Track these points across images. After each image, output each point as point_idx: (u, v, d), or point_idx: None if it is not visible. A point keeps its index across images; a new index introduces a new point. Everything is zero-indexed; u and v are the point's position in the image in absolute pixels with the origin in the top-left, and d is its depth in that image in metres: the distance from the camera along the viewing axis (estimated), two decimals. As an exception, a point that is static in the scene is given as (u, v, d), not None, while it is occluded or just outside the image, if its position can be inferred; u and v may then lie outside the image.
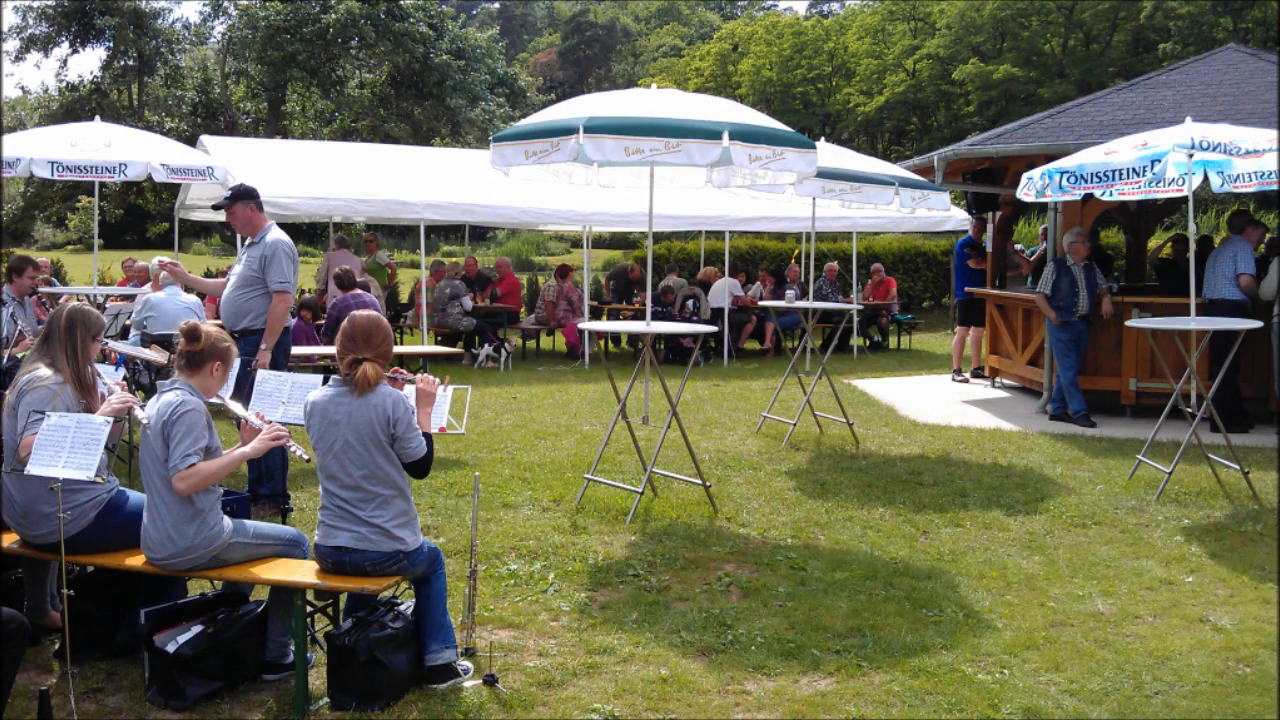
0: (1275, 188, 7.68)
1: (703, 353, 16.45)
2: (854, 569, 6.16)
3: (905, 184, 9.24)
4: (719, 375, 14.87)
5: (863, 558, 6.41)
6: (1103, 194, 8.25)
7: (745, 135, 6.54)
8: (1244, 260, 10.09)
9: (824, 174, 8.59)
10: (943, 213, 13.18)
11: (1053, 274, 10.67)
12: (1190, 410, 8.29)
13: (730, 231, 18.22)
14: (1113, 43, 49.24)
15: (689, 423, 10.44)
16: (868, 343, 19.16)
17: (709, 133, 6.46)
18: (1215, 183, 7.77)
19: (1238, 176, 7.83)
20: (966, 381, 14.27)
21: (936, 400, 12.63)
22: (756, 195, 12.92)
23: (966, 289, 14.13)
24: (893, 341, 19.61)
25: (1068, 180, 8.12)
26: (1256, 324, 8.07)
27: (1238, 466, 7.96)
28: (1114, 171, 7.86)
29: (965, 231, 15.59)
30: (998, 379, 13.81)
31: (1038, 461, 9.09)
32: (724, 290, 17.22)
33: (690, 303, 17.00)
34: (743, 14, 76.42)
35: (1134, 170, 7.74)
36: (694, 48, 67.96)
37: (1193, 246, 8.69)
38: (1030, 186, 8.63)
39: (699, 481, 7.56)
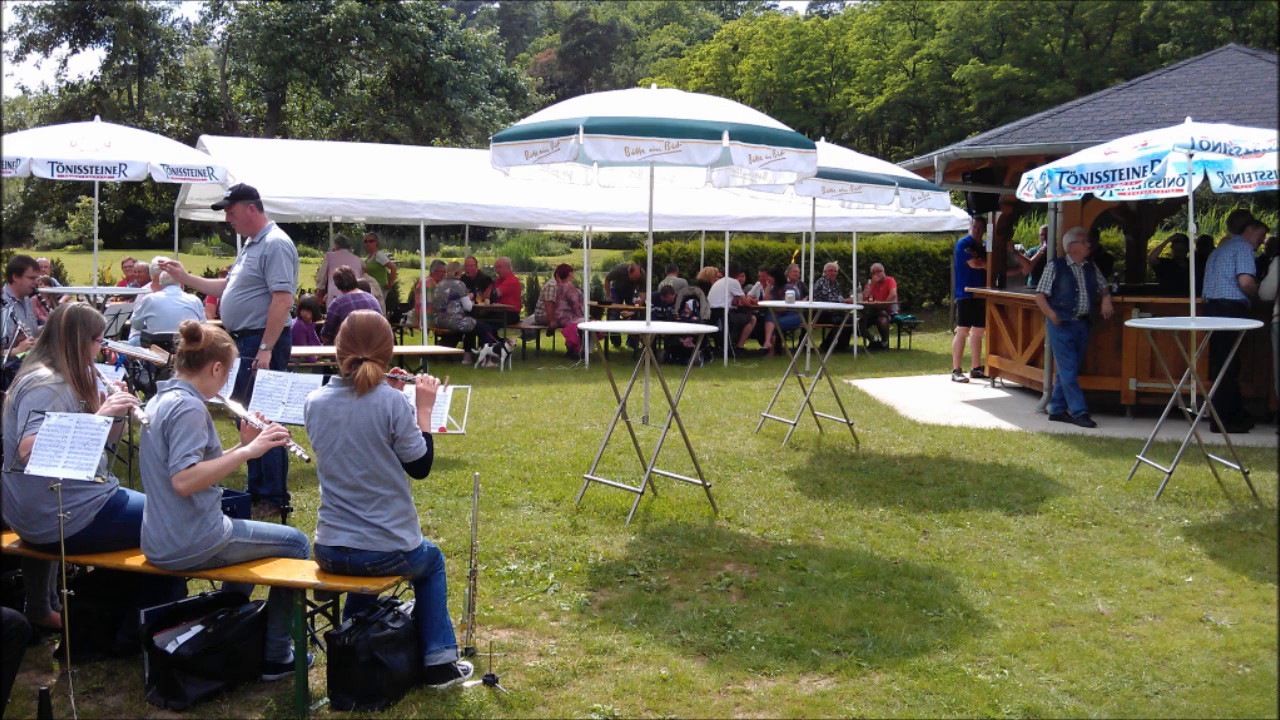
0: (1275, 188, 7.68)
1: (703, 353, 16.45)
2: (854, 569, 6.16)
3: (905, 184, 9.24)
4: (719, 375, 14.87)
5: (863, 558, 6.41)
6: (1102, 194, 8.25)
7: (745, 135, 6.54)
8: (1244, 260, 10.09)
9: (824, 174, 8.60)
10: (943, 213, 13.19)
11: (1053, 274, 10.67)
12: (1190, 410, 8.29)
13: (730, 231, 18.21)
14: (1113, 43, 49.27)
15: (689, 423, 10.44)
16: (868, 343, 19.17)
17: (709, 133, 6.46)
18: (1215, 183, 7.77)
19: (1238, 176, 7.83)
20: (966, 381, 14.27)
21: (936, 400, 12.63)
22: (756, 195, 12.92)
23: (966, 289, 14.13)
24: (893, 341, 19.61)
25: (1068, 180, 8.12)
26: (1256, 324, 8.07)
27: (1238, 466, 7.96)
28: (1114, 171, 7.87)
29: (965, 231, 15.59)
30: (998, 379, 13.81)
31: (1038, 461, 9.09)
32: (724, 290, 17.22)
33: (690, 303, 17.00)
34: (743, 14, 76.48)
35: (1134, 170, 7.74)
36: (694, 48, 67.96)
37: (1193, 246, 8.69)
38: (1030, 186, 8.64)
39: (699, 481, 7.56)
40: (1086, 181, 8.02)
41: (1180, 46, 42.39)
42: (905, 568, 6.23)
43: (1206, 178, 7.77)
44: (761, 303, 15.48)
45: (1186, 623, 5.43)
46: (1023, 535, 6.93)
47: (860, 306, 16.41)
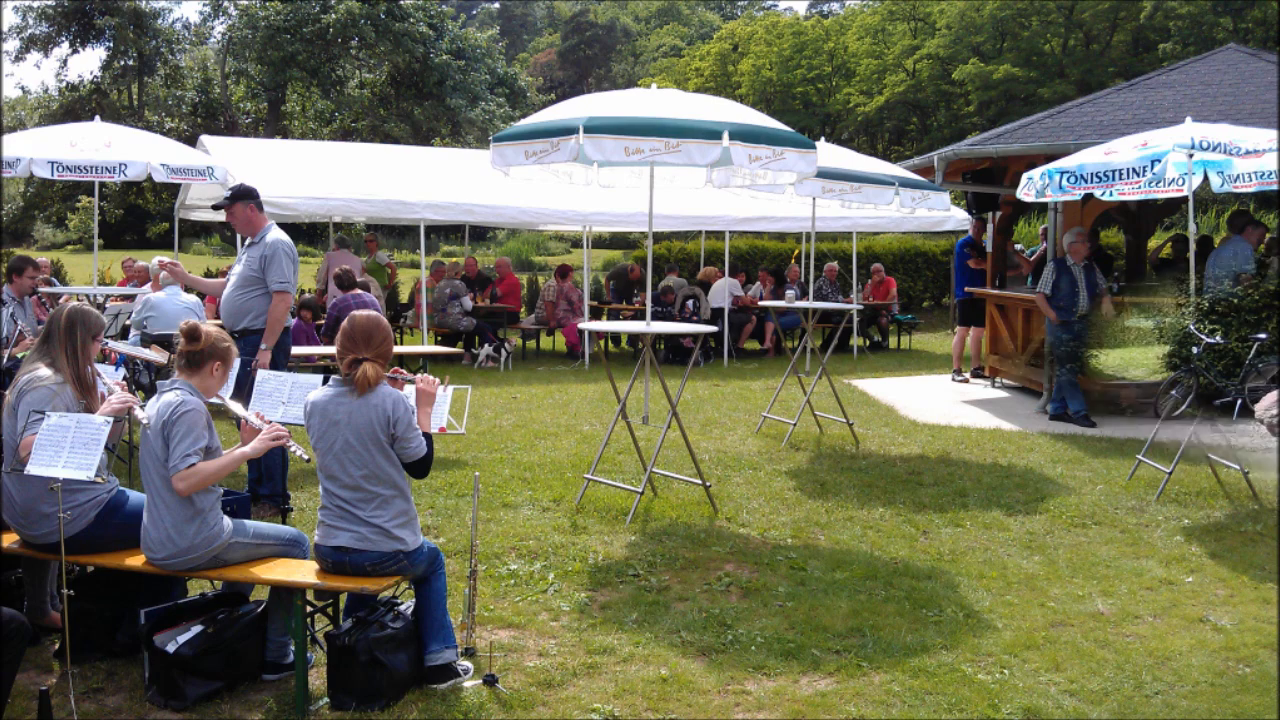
0: (1275, 188, 7.68)
1: (703, 353, 16.46)
2: (854, 569, 6.16)
3: (905, 184, 9.24)
4: (719, 375, 14.88)
5: (863, 558, 6.41)
6: (1102, 194, 8.26)
7: (745, 135, 6.54)
8: (1243, 260, 10.08)
9: (824, 174, 8.60)
10: (943, 213, 13.18)
11: (1053, 274, 10.66)
12: (1191, 410, 8.28)
13: (730, 231, 18.22)
14: (1113, 43, 49.25)
15: (689, 423, 10.44)
16: (868, 343, 19.17)
17: (709, 132, 6.46)
18: (1215, 183, 7.78)
19: (1238, 176, 7.83)
20: (966, 381, 14.27)
21: (936, 400, 12.63)
22: (756, 195, 12.92)
23: (966, 289, 14.13)
24: (893, 341, 19.62)
25: (1068, 180, 8.12)
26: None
27: (1238, 466, 7.96)
28: (1114, 171, 7.87)
29: (965, 231, 15.59)
30: (997, 379, 13.82)
31: (1038, 461, 9.09)
32: (724, 290, 17.23)
33: (690, 303, 17.00)
34: (743, 14, 76.46)
35: (1134, 170, 7.75)
36: (694, 48, 67.95)
37: (1193, 246, 8.69)
38: (1030, 186, 8.64)
39: (699, 481, 7.56)
40: (1086, 181, 8.02)
41: (1180, 46, 42.39)
42: (905, 568, 6.23)
43: (1206, 178, 7.77)
44: (761, 303, 15.45)
45: (1186, 623, 5.43)
46: (1023, 535, 6.93)
47: (860, 306, 16.41)
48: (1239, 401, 13.03)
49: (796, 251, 20.93)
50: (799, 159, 6.78)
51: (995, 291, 13.51)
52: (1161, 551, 6.59)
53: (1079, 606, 5.65)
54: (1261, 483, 8.10)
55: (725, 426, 10.70)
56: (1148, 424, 10.62)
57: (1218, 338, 10.21)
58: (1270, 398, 11.05)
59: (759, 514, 7.39)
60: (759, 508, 7.55)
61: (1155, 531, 7.04)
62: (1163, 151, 7.69)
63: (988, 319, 13.82)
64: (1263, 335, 12.06)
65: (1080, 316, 10.66)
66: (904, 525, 7.14)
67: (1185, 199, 8.22)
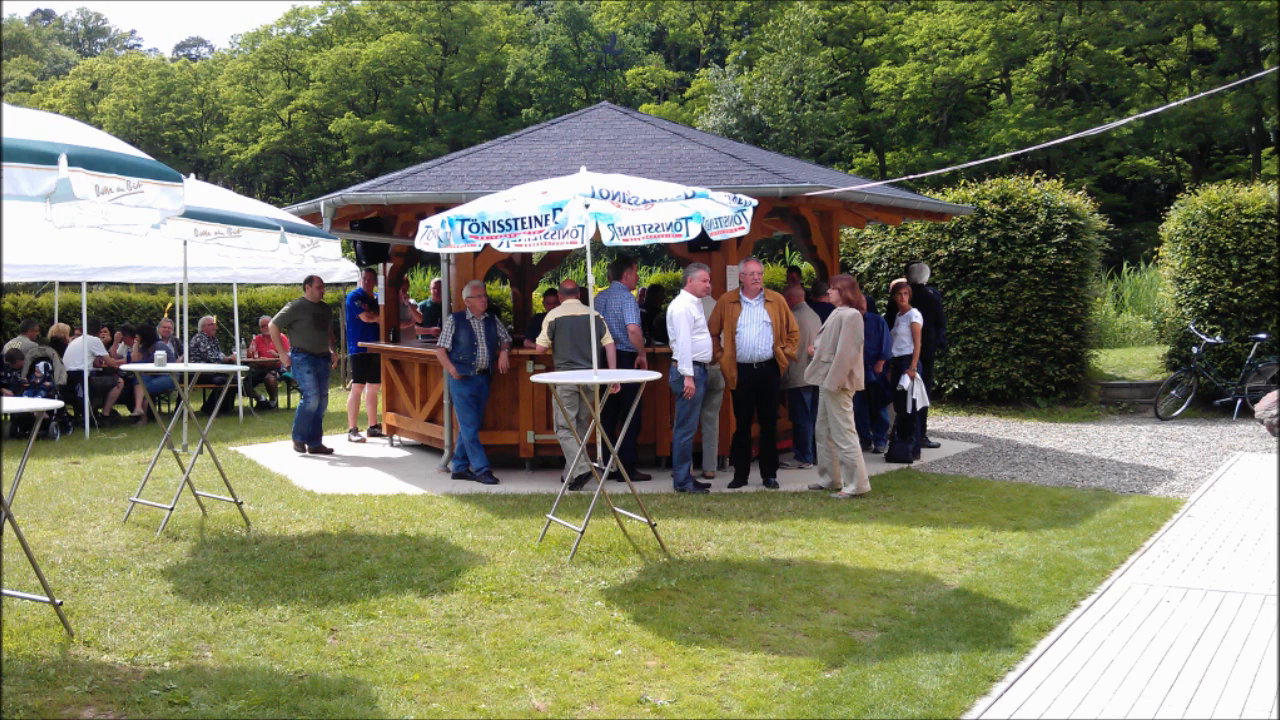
0: (665, 240, 7.72)
1: (59, 424, 14.12)
2: (251, 695, 5.03)
3: (291, 229, 8.26)
4: (79, 450, 12.74)
5: (261, 676, 5.28)
6: (502, 245, 7.83)
7: (91, 161, 5.22)
8: (630, 309, 10.28)
9: (195, 214, 7.37)
10: (333, 262, 12.30)
11: (452, 328, 10.23)
12: (597, 465, 8.13)
13: (89, 282, 15.87)
14: (480, 106, 51.87)
15: (38, 515, 8.63)
16: (255, 403, 17.71)
17: (41, 155, 5.06)
18: (606, 235, 7.63)
19: (627, 229, 7.76)
20: (364, 441, 13.53)
21: (334, 465, 11.70)
22: (114, 239, 11.21)
23: (360, 344, 13.38)
24: (282, 400, 18.36)
25: (470, 229, 7.60)
26: (655, 375, 8.06)
27: (645, 519, 7.89)
28: (516, 220, 7.48)
29: (355, 283, 14.85)
30: (395, 437, 13.22)
31: (447, 528, 8.48)
32: (82, 350, 14.93)
33: (42, 366, 14.52)
34: (102, 51, 70.66)
35: (536, 219, 7.41)
36: (47, 83, 61.43)
37: (592, 297, 8.59)
38: (430, 235, 8.02)
39: (46, 599, 5.95)
40: (489, 230, 7.55)
41: (540, 112, 45.66)
42: (313, 683, 5.20)
43: (599, 230, 7.61)
44: (126, 366, 13.36)
45: (626, 706, 4.97)
46: (441, 620, 6.20)
47: (244, 366, 14.97)
48: (1239, 401, 13.60)
49: (169, 305, 19.03)
50: (162, 193, 5.54)
51: (390, 346, 12.90)
52: (585, 622, 6.18)
53: (513, 704, 5.00)
54: (666, 531, 8.10)
55: (85, 516, 8.93)
56: (545, 477, 10.56)
57: (1218, 337, 10.52)
58: (1270, 398, 11.52)
59: (128, 632, 5.96)
60: (128, 622, 6.12)
61: (576, 598, 6.65)
62: (564, 200, 7.43)
63: (383, 374, 13.19)
64: (1263, 335, 12.73)
65: (480, 371, 10.32)
66: (308, 625, 6.10)
67: (581, 250, 8.07)
